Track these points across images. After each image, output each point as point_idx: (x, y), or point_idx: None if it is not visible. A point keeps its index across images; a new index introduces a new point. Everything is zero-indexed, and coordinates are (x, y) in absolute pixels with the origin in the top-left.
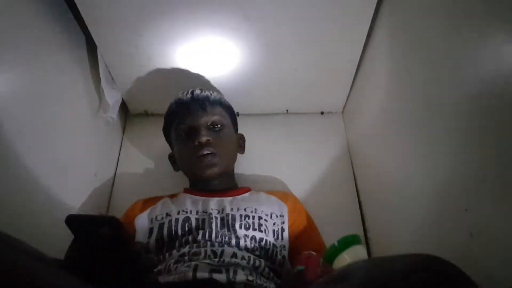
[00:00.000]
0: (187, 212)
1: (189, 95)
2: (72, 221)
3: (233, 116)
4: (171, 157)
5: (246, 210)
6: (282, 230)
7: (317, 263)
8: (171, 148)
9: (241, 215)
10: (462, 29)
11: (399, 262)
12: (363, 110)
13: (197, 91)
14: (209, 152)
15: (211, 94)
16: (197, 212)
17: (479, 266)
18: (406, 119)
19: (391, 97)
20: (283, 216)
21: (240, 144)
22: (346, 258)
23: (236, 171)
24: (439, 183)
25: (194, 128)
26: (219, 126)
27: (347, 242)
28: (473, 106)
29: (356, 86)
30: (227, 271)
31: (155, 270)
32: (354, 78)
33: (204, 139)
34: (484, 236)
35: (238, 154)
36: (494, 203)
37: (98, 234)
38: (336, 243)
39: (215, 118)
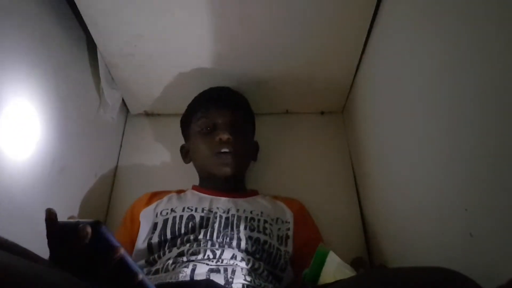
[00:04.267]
0: (192, 210)
1: (219, 92)
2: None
3: (253, 123)
4: (183, 149)
5: (252, 213)
6: (287, 237)
7: None
8: (186, 139)
9: (246, 217)
10: (463, 28)
11: (417, 276)
12: (363, 110)
13: (227, 90)
14: (227, 150)
15: (239, 96)
16: (202, 210)
17: (479, 266)
18: (406, 119)
19: (391, 97)
20: (288, 222)
21: (254, 151)
22: (329, 270)
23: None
24: (439, 183)
25: (217, 125)
26: (241, 128)
27: (319, 258)
28: (474, 106)
29: (356, 86)
30: (225, 271)
31: (153, 269)
32: (354, 78)
33: (226, 136)
34: (484, 236)
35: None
36: (494, 203)
37: (78, 236)
38: (309, 268)
39: (239, 119)
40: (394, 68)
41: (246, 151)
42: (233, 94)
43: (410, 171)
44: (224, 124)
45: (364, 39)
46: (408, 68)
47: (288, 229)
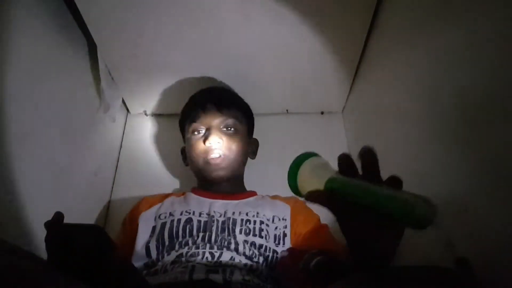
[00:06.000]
0: (190, 213)
1: (207, 93)
2: (54, 227)
3: (250, 119)
4: (183, 151)
5: (248, 214)
6: (284, 235)
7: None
8: (184, 142)
9: (242, 220)
10: (462, 28)
11: (418, 274)
12: (363, 110)
13: (216, 91)
14: (218, 155)
15: (230, 95)
16: (200, 214)
17: (479, 266)
18: (406, 119)
19: (391, 97)
20: (285, 219)
21: (252, 149)
22: (306, 168)
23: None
24: (439, 183)
25: (207, 129)
26: (232, 129)
27: (299, 161)
28: (474, 106)
29: (356, 86)
30: (224, 271)
31: (152, 270)
32: (354, 78)
33: (214, 142)
34: (484, 236)
35: (249, 158)
36: (494, 203)
37: (81, 240)
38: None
39: (229, 121)
40: (394, 68)
41: (240, 151)
42: (223, 94)
43: (410, 171)
44: (214, 128)
45: (364, 39)
46: (408, 67)
47: (285, 227)
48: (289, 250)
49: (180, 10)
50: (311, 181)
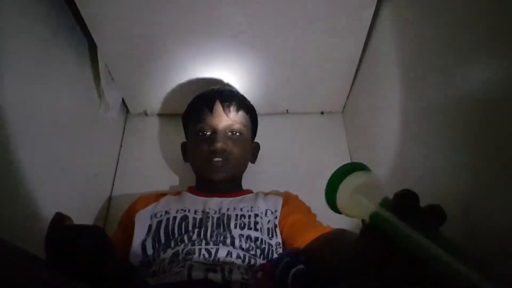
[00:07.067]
0: (185, 211)
1: (216, 94)
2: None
3: (254, 123)
4: (183, 147)
5: (242, 209)
6: (275, 226)
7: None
8: (186, 137)
9: (236, 215)
10: (463, 28)
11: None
12: (363, 110)
13: (225, 92)
14: (221, 159)
15: (238, 98)
16: (195, 211)
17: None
18: (406, 119)
19: (391, 97)
20: (276, 211)
21: (253, 152)
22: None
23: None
24: (439, 183)
25: (212, 131)
26: (238, 134)
27: (345, 171)
28: (474, 106)
29: (356, 86)
30: (222, 270)
31: (150, 270)
32: (354, 78)
33: (219, 146)
34: (483, 235)
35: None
36: (494, 203)
37: (81, 242)
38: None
39: (236, 125)
40: (394, 68)
41: (242, 155)
42: (232, 97)
43: (410, 171)
44: (220, 131)
45: (364, 39)
46: (408, 67)
47: (276, 218)
48: (261, 267)
49: (180, 10)
50: (352, 204)
